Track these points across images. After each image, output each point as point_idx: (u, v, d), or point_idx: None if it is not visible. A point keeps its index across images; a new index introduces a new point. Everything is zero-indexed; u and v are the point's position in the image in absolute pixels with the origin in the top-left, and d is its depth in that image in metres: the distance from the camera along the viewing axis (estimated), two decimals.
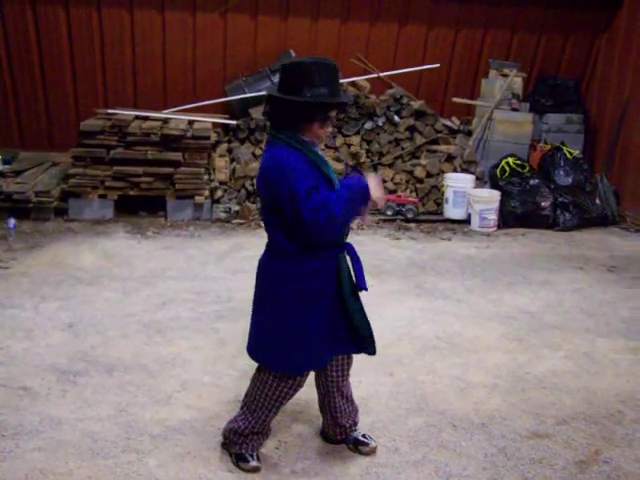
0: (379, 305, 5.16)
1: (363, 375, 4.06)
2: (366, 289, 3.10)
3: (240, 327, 4.79)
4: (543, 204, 8.10)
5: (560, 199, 8.17)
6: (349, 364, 3.26)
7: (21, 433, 3.42)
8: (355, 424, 3.37)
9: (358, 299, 3.12)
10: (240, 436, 3.17)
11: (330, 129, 3.00)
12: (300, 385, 3.11)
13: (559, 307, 5.53)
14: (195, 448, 3.34)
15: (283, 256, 2.98)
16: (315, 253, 2.95)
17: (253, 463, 3.15)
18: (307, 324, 2.97)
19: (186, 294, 5.42)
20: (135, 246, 6.69)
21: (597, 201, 8.36)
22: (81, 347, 4.44)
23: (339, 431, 3.35)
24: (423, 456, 3.36)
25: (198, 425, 3.54)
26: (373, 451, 3.33)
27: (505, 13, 9.56)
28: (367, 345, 3.13)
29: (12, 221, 6.95)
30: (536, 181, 8.24)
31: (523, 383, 4.19)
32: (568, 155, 8.55)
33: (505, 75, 9.17)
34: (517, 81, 9.22)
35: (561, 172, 8.49)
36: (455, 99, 9.48)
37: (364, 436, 3.38)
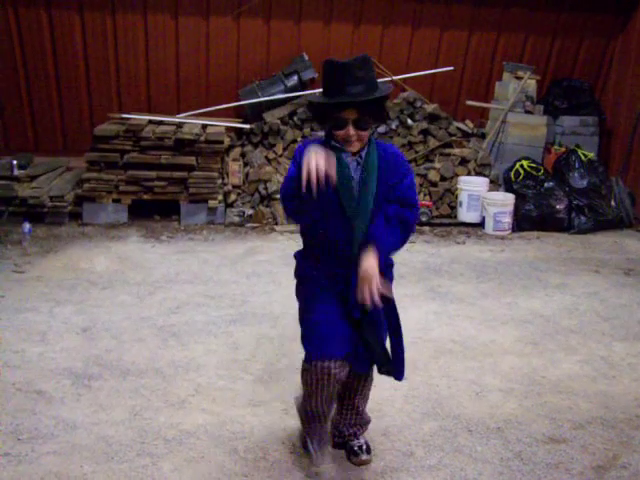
0: None
1: (377, 379, 4.02)
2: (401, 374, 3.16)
3: (254, 331, 4.79)
4: (558, 207, 8.05)
5: (575, 202, 8.12)
6: (365, 385, 3.26)
7: (36, 437, 3.42)
8: (355, 435, 3.32)
9: (371, 315, 2.95)
10: (302, 421, 3.23)
11: (351, 132, 2.78)
12: (321, 378, 2.92)
13: (575, 311, 5.49)
14: (209, 452, 3.33)
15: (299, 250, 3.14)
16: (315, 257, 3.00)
17: (311, 448, 3.13)
18: (311, 314, 2.98)
19: (200, 298, 5.42)
20: (149, 250, 6.70)
21: (612, 204, 8.30)
22: (95, 351, 4.45)
23: (337, 434, 3.34)
24: (438, 460, 3.33)
25: (212, 429, 3.53)
26: (363, 463, 3.25)
27: (518, 15, 9.53)
28: (387, 367, 3.08)
29: (27, 225, 6.98)
30: (551, 184, 8.19)
31: (539, 387, 4.16)
32: (583, 158, 8.50)
33: (519, 77, 9.14)
34: (531, 83, 9.19)
35: (576, 175, 8.43)
36: (469, 102, 9.45)
37: (359, 447, 3.29)
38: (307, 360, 2.95)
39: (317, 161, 2.59)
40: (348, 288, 2.88)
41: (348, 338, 2.93)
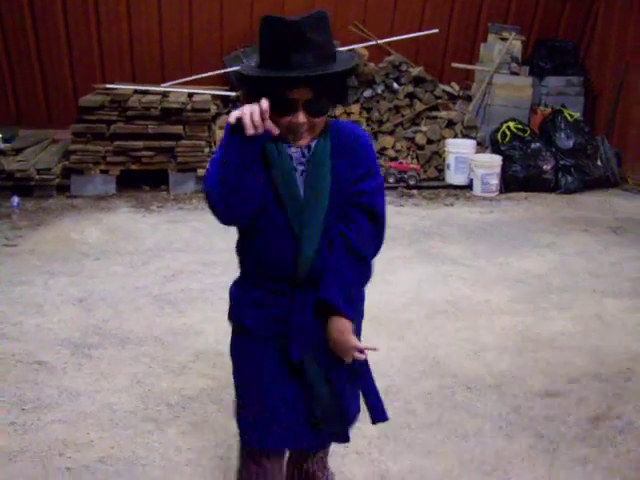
0: (386, 271, 5.18)
1: (374, 339, 4.07)
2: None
3: None
4: (545, 167, 8.10)
5: (562, 162, 8.18)
6: (324, 452, 2.46)
7: (41, 406, 3.46)
8: None
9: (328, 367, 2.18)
10: None
11: (301, 119, 1.97)
12: (262, 474, 2.23)
13: (565, 269, 5.57)
14: (213, 416, 3.38)
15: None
16: (256, 278, 2.18)
17: None
18: (251, 388, 2.23)
19: (194, 266, 5.44)
20: (140, 220, 6.69)
21: (599, 163, 8.37)
22: (93, 321, 4.47)
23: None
24: (438, 417, 3.40)
25: (215, 393, 3.58)
26: None
27: None
28: (335, 428, 2.25)
29: (16, 199, 6.95)
30: (537, 145, 8.23)
31: (533, 344, 4.23)
32: (569, 118, 8.53)
33: (504, 39, 9.13)
34: (516, 44, 9.19)
35: (562, 135, 8.47)
36: (454, 64, 9.44)
37: None
38: (244, 445, 2.25)
39: (250, 109, 1.89)
40: (289, 330, 2.13)
41: (301, 423, 2.17)
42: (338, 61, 1.99)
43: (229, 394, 3.56)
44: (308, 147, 2.06)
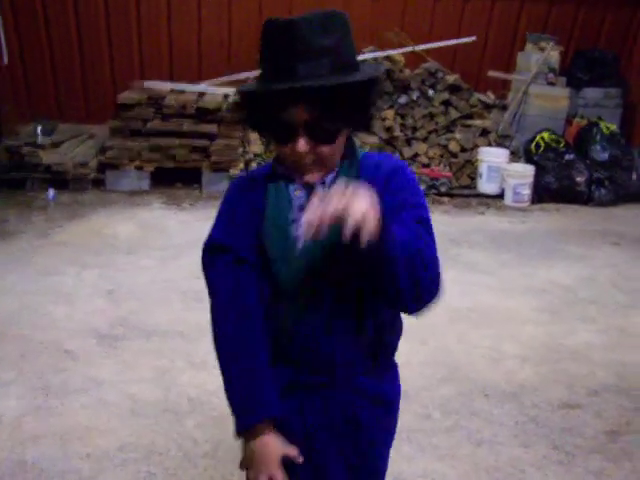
0: None
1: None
2: None
3: None
4: (578, 179, 8.03)
5: (596, 174, 8.10)
6: None
7: (66, 392, 3.55)
8: None
9: None
10: None
11: (301, 147, 1.50)
12: None
13: (593, 282, 5.53)
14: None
15: None
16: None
17: None
18: None
19: None
20: (171, 217, 6.79)
21: (634, 177, 8.27)
22: (120, 313, 4.56)
23: None
24: (455, 423, 3.42)
25: None
26: None
27: None
28: None
29: (52, 192, 7.10)
30: (571, 156, 8.17)
31: (555, 355, 4.22)
32: (605, 130, 8.46)
33: (542, 49, 9.07)
34: (554, 55, 9.12)
35: (597, 147, 8.39)
36: (491, 73, 9.40)
37: None
38: None
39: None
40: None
41: None
42: (356, 71, 1.53)
43: None
44: (323, 184, 1.58)
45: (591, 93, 9.29)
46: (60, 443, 3.12)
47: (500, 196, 8.04)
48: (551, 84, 9.02)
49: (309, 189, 1.58)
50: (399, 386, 1.79)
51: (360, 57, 8.50)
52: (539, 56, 9.01)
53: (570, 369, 4.04)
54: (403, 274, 1.43)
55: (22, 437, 3.16)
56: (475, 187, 8.27)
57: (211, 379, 3.73)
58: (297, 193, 1.60)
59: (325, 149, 1.53)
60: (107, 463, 2.99)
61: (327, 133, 1.52)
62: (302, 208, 1.54)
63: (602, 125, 8.51)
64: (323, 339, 1.62)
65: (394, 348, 1.76)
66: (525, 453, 3.20)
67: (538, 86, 8.93)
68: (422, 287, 1.48)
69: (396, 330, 1.75)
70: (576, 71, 9.53)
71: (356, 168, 1.61)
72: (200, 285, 5.22)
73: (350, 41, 1.54)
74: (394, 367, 1.78)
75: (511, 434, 3.35)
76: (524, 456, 3.18)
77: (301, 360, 1.66)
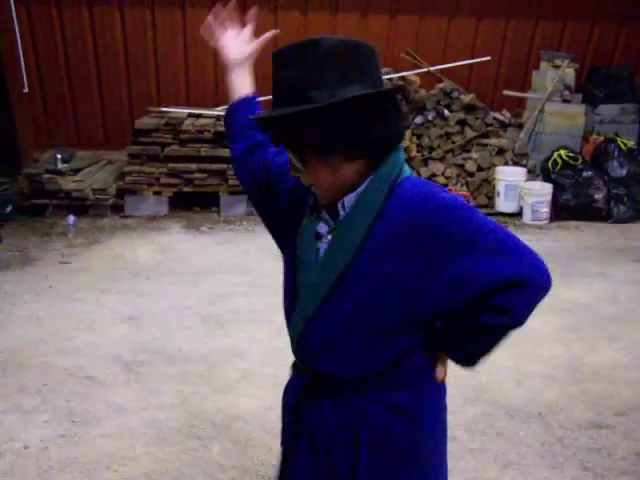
0: None
1: None
2: None
3: None
4: (596, 196, 8.00)
5: (614, 191, 8.06)
6: None
7: (90, 420, 3.56)
8: None
9: None
10: None
11: (291, 169, 1.59)
12: None
13: (615, 299, 5.48)
14: (257, 436, 3.43)
15: None
16: None
17: None
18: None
19: (243, 287, 5.52)
20: (190, 241, 6.82)
21: None
22: (142, 339, 4.57)
23: None
24: (481, 444, 3.39)
25: (259, 414, 3.62)
26: None
27: (556, 2, 9.44)
28: None
29: (71, 218, 7.16)
30: (589, 173, 8.14)
31: (580, 374, 4.18)
32: (622, 146, 8.43)
33: (557, 66, 9.08)
34: (569, 72, 9.12)
35: (615, 163, 8.36)
36: (506, 92, 9.41)
37: None
38: None
39: None
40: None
41: None
42: (315, 102, 1.47)
43: (273, 414, 3.60)
44: (342, 205, 1.57)
45: (607, 110, 9.27)
46: (86, 471, 3.12)
47: (518, 214, 8.02)
48: (567, 101, 9.01)
49: (331, 212, 1.60)
50: (425, 400, 1.74)
51: None
52: (554, 74, 9.01)
53: (595, 389, 4.00)
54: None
55: (48, 465, 3.17)
56: (493, 206, 8.25)
57: (235, 404, 3.73)
58: (323, 221, 1.62)
59: (307, 177, 1.56)
60: None
61: (296, 159, 1.55)
62: (320, 237, 1.61)
63: (619, 141, 8.48)
64: (328, 354, 1.62)
65: (417, 364, 1.68)
66: (553, 475, 3.17)
67: (554, 104, 8.93)
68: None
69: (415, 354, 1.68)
70: (592, 88, 9.52)
71: (382, 193, 1.54)
72: (221, 309, 5.25)
73: (326, 68, 1.48)
74: (416, 381, 1.70)
75: (538, 455, 3.32)
76: (552, 478, 3.15)
77: (310, 368, 1.68)
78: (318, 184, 1.56)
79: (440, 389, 1.80)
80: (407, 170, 1.60)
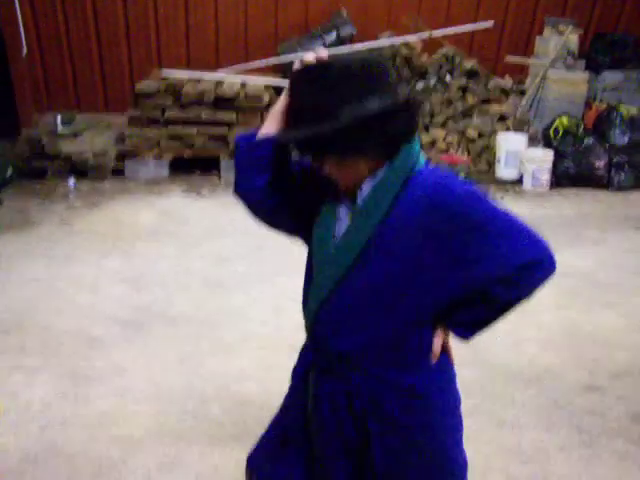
0: None
1: None
2: None
3: (294, 281, 4.90)
4: (597, 164, 7.98)
5: (615, 159, 8.04)
6: None
7: (90, 379, 3.60)
8: None
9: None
10: None
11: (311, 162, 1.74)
12: None
13: (613, 266, 5.51)
14: (257, 396, 3.47)
15: None
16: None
17: None
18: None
19: (243, 250, 5.54)
20: (191, 204, 6.83)
21: None
22: (143, 300, 4.61)
23: None
24: (477, 406, 3.43)
25: (259, 375, 3.67)
26: None
27: None
28: None
29: (72, 181, 7.16)
30: (590, 141, 8.11)
31: (576, 339, 4.22)
32: (625, 114, 8.39)
33: (561, 32, 9.00)
34: (573, 38, 9.04)
35: (617, 131, 8.32)
36: (508, 58, 9.34)
37: None
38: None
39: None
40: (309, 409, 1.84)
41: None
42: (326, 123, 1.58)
43: (274, 376, 3.65)
44: (361, 191, 1.68)
45: (611, 76, 9.19)
46: (88, 428, 3.17)
47: (519, 181, 8.00)
48: (570, 68, 8.94)
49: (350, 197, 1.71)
50: (435, 380, 1.79)
51: (376, 43, 8.50)
52: (558, 40, 8.94)
53: (591, 353, 4.04)
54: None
55: (51, 422, 3.22)
56: (494, 173, 8.24)
57: (235, 364, 3.78)
58: (342, 205, 1.73)
59: (324, 168, 1.68)
60: (135, 447, 3.04)
61: (313, 158, 1.69)
62: (341, 219, 1.73)
63: (622, 109, 8.44)
64: (340, 332, 1.74)
65: (425, 344, 1.76)
66: (548, 436, 3.21)
67: (557, 70, 8.87)
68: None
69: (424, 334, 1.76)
70: (595, 54, 9.44)
71: (397, 181, 1.64)
72: (221, 271, 5.28)
73: (343, 87, 1.58)
74: (423, 362, 1.76)
75: (534, 417, 3.36)
76: (547, 439, 3.19)
77: (320, 346, 1.79)
78: (336, 178, 1.69)
79: (450, 375, 1.86)
80: (423, 159, 1.70)
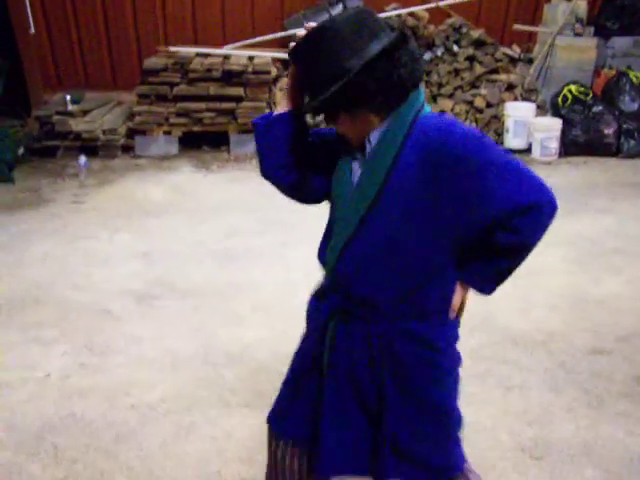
0: None
1: None
2: None
3: (304, 253, 4.96)
4: (606, 131, 7.97)
5: (625, 126, 8.02)
6: None
7: (107, 350, 3.69)
8: None
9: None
10: None
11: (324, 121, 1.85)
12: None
13: (621, 233, 5.54)
14: (269, 364, 3.54)
15: None
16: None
17: None
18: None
19: (253, 224, 5.61)
20: (201, 180, 6.89)
21: None
22: (156, 274, 4.69)
23: None
24: (486, 370, 3.50)
25: (271, 343, 3.74)
26: None
27: None
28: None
29: (83, 159, 7.22)
30: (599, 108, 8.09)
31: (584, 304, 4.27)
32: (634, 80, 8.34)
33: None
34: (581, 5, 8.98)
35: (626, 98, 8.29)
36: (516, 26, 9.30)
37: None
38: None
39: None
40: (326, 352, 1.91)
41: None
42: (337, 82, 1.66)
43: (285, 344, 3.72)
44: (369, 141, 1.77)
45: (620, 42, 9.11)
46: (106, 397, 3.26)
47: (527, 150, 8.01)
48: (578, 35, 8.89)
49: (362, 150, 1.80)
50: (447, 336, 1.90)
51: (383, 14, 8.46)
52: (566, 6, 8.88)
53: (598, 317, 4.10)
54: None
55: (69, 392, 3.31)
56: (502, 142, 8.24)
57: (248, 334, 3.85)
58: (356, 160, 1.82)
59: (338, 127, 1.79)
60: (152, 414, 3.13)
61: (329, 120, 1.78)
62: (354, 172, 1.81)
63: (631, 75, 8.39)
64: (359, 278, 1.81)
65: (445, 299, 1.84)
66: (555, 397, 3.28)
67: (565, 37, 8.81)
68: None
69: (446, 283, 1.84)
70: (604, 20, 9.35)
71: (403, 128, 1.72)
72: (233, 245, 5.35)
73: (346, 40, 1.66)
74: (440, 314, 1.86)
75: (541, 380, 3.43)
76: (554, 400, 3.26)
77: (343, 291, 1.85)
78: (349, 133, 1.78)
79: (457, 334, 1.96)
80: (427, 107, 1.78)
